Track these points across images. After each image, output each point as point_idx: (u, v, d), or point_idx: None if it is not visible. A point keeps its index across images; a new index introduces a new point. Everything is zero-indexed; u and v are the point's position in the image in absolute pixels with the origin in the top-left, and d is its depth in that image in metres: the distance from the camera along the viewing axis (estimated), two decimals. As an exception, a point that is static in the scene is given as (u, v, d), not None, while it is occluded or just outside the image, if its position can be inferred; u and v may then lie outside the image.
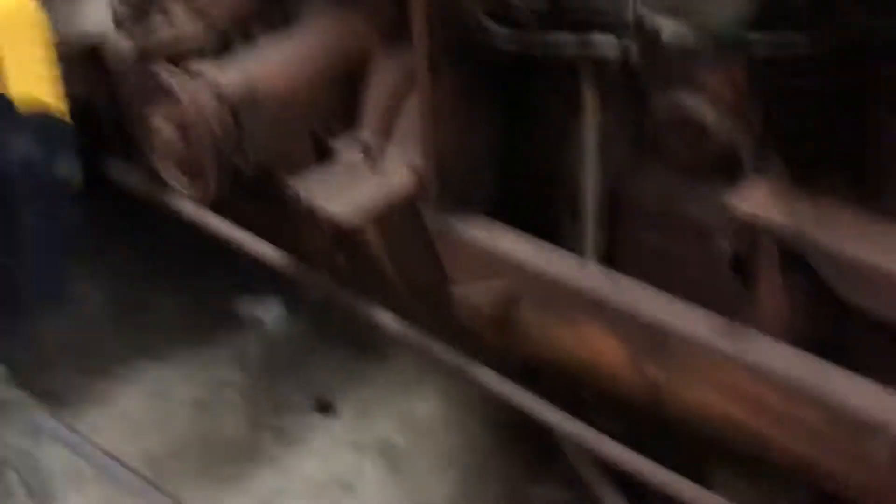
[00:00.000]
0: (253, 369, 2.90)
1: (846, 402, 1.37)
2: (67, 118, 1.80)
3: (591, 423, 2.37)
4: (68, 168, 1.83)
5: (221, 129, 1.78)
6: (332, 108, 1.98)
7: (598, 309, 1.64)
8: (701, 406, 1.57)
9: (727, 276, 1.64)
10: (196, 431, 2.69)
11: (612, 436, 1.90)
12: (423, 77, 1.65)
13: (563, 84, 1.66)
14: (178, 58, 2.11)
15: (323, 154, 2.02)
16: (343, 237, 2.08)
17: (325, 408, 2.78)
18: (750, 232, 1.53)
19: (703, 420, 1.59)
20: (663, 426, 1.89)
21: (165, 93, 1.79)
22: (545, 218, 1.87)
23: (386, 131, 1.92)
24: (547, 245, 1.74)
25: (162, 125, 1.82)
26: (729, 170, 1.57)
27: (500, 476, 2.61)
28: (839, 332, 1.50)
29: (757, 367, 1.45)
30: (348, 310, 2.12)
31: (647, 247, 1.75)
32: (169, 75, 1.78)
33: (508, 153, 1.86)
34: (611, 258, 1.82)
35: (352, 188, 1.79)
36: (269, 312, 3.08)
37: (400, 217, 1.87)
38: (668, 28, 1.29)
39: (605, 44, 1.45)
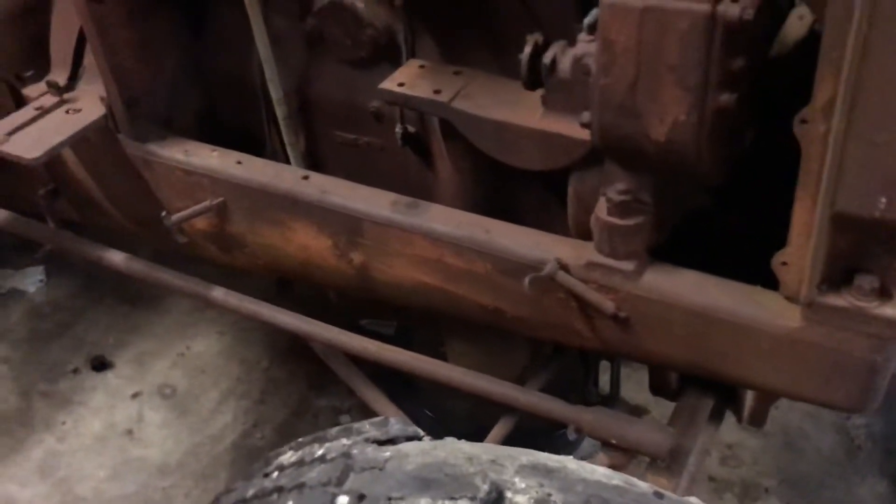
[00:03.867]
0: (19, 340, 2.83)
1: (507, 249, 1.52)
2: None
3: (361, 327, 2.49)
4: None
5: None
6: (18, 52, 1.93)
7: (298, 208, 1.71)
8: (400, 279, 1.68)
9: (411, 157, 1.76)
10: (-35, 410, 2.63)
11: (383, 338, 2.00)
12: (82, 7, 1.65)
13: (233, -2, 1.71)
14: None
15: (19, 100, 1.98)
16: (54, 180, 2.06)
17: (100, 365, 2.76)
18: (415, 112, 1.65)
19: (405, 291, 1.71)
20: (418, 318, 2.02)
21: None
22: (249, 128, 1.92)
23: (75, 69, 1.90)
24: (243, 155, 1.79)
25: None
26: (392, 56, 1.67)
27: (283, 396, 2.70)
28: (502, 187, 1.64)
29: (432, 233, 1.57)
30: (78, 255, 2.10)
31: (342, 141, 1.84)
32: None
33: (202, 70, 1.89)
34: (313, 157, 1.90)
35: (42, 128, 1.77)
36: (30, 282, 3.00)
37: (101, 150, 1.87)
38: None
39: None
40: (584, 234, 1.49)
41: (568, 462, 1.09)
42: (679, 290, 1.41)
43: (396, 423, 1.17)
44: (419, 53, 1.65)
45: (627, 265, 1.42)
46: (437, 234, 1.58)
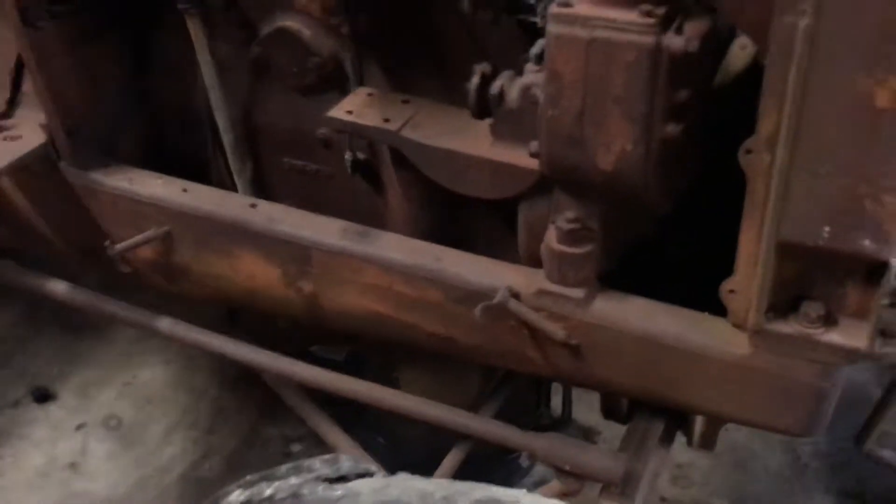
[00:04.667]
0: (-43, 372, 2.75)
1: (459, 277, 1.51)
2: None
3: (311, 354, 2.46)
4: None
5: None
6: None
7: (245, 236, 1.69)
8: (350, 308, 1.66)
9: (361, 185, 1.75)
10: None
11: (333, 364, 1.98)
12: (20, 33, 1.61)
13: (175, 20, 1.68)
14: None
15: (-44, 129, 1.92)
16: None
17: (42, 397, 2.68)
18: (364, 139, 1.64)
19: (357, 320, 1.69)
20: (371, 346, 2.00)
21: None
22: (195, 156, 1.89)
23: (14, 95, 1.85)
24: (189, 183, 1.76)
25: None
26: (339, 83, 1.66)
27: (233, 426, 2.64)
28: (452, 215, 1.64)
29: (383, 261, 1.56)
30: (18, 285, 2.04)
31: (290, 168, 1.82)
32: None
33: (145, 97, 1.86)
34: (261, 185, 1.88)
35: (-24, 156, 1.72)
36: (-31, 311, 2.92)
37: (40, 178, 1.82)
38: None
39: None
40: (535, 262, 1.49)
41: (522, 497, 1.08)
42: (628, 318, 1.41)
43: (347, 460, 1.15)
44: (367, 81, 1.64)
45: (577, 293, 1.42)
46: (388, 262, 1.56)
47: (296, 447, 2.58)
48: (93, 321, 2.81)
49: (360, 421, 2.24)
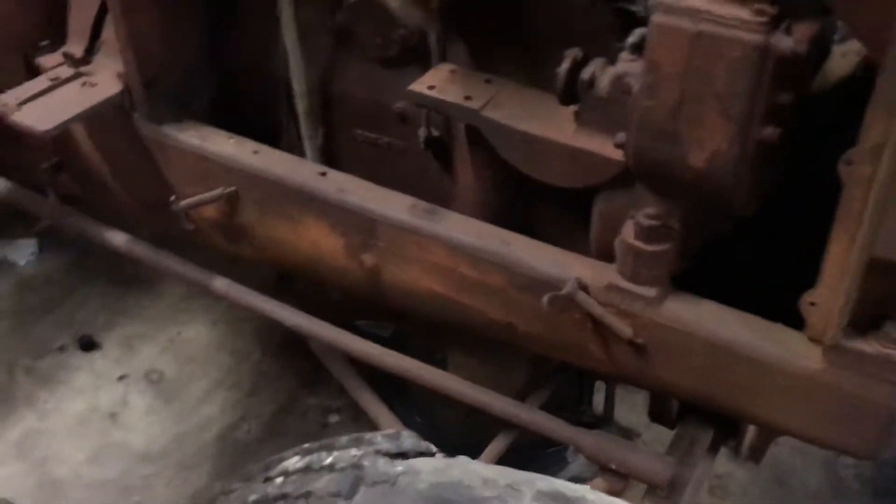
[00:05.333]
0: (6, 312, 2.77)
1: (525, 264, 1.49)
2: None
3: (356, 327, 2.45)
4: None
5: None
6: (37, 21, 1.89)
7: (312, 203, 1.68)
8: (411, 285, 1.65)
9: (431, 162, 1.73)
10: (-55, 381, 2.57)
11: (378, 338, 1.97)
12: (111, -20, 1.61)
13: (262, -17, 1.67)
14: None
15: (33, 70, 1.93)
16: (62, 155, 2.01)
17: (87, 344, 2.70)
18: (441, 116, 1.62)
19: (416, 298, 1.67)
20: (417, 322, 1.99)
21: None
22: (266, 119, 1.88)
23: (93, 43, 1.85)
24: (260, 145, 1.75)
25: None
26: (421, 57, 1.64)
27: (273, 391, 2.65)
28: (524, 200, 1.62)
29: (449, 241, 1.54)
30: (77, 233, 2.05)
31: (361, 139, 1.81)
32: None
33: (223, 56, 1.85)
34: (330, 153, 1.87)
35: (55, 100, 1.72)
36: (21, 253, 2.94)
37: (114, 128, 1.82)
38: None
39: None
40: (605, 256, 1.46)
41: (587, 493, 1.06)
42: (700, 321, 1.38)
43: (409, 437, 1.14)
44: (450, 58, 1.61)
45: (649, 291, 1.39)
46: (455, 242, 1.54)
47: (333, 418, 2.59)
48: (142, 275, 2.83)
49: (398, 397, 2.23)
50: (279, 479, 1.13)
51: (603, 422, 2.44)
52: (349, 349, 1.91)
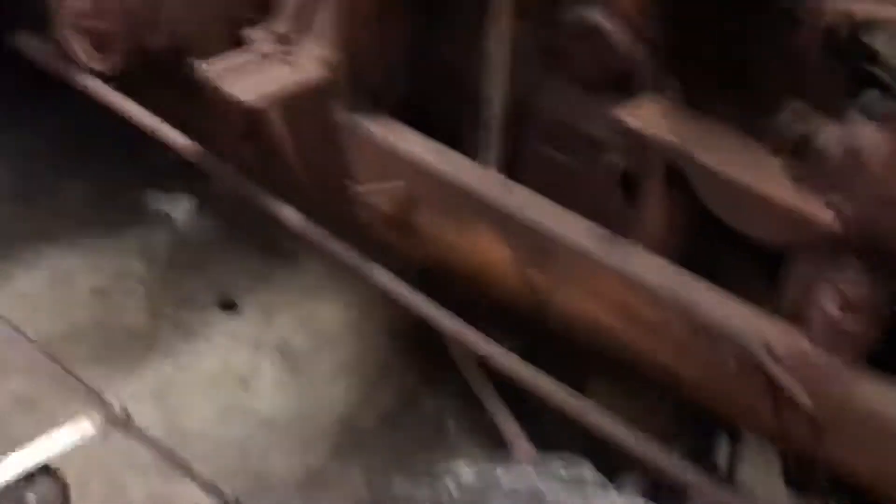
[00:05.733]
0: (158, 262, 2.88)
1: (708, 313, 1.45)
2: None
3: (484, 331, 2.46)
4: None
5: (136, 1, 1.74)
6: (247, -3, 1.96)
7: (489, 214, 1.68)
8: (580, 313, 1.64)
9: (616, 190, 1.71)
10: (95, 318, 2.67)
11: (506, 346, 1.97)
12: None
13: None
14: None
15: (238, 42, 2.00)
16: (251, 126, 2.07)
17: (227, 305, 2.79)
18: (638, 147, 1.59)
19: (582, 327, 1.66)
20: (552, 339, 1.98)
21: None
22: (450, 121, 1.90)
23: (301, 23, 1.90)
24: (447, 149, 1.77)
25: (73, -6, 1.77)
26: (627, 87, 1.61)
27: (395, 383, 2.67)
28: (713, 247, 1.57)
29: (631, 276, 1.52)
30: (254, 203, 2.11)
31: (544, 157, 1.80)
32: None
33: (421, 54, 1.88)
34: (509, 166, 1.86)
35: (259, 74, 1.78)
36: (178, 208, 3.05)
37: (308, 109, 1.87)
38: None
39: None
40: (796, 319, 1.41)
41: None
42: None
43: (590, 469, 1.12)
44: (657, 92, 1.59)
45: (843, 365, 1.33)
46: (637, 278, 1.52)
47: (451, 423, 2.59)
48: (287, 246, 2.90)
49: (518, 412, 2.22)
50: (451, 487, 1.13)
51: (726, 478, 2.37)
52: (490, 357, 1.91)
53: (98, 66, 1.85)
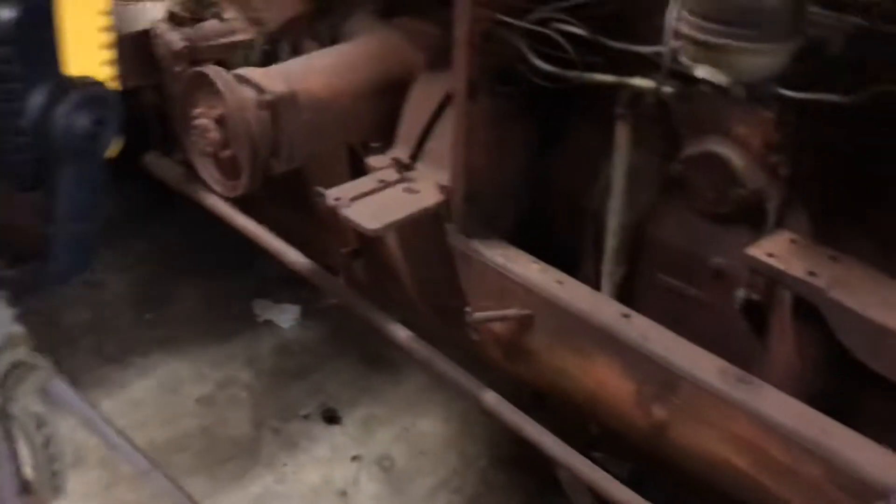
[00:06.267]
0: (264, 372, 2.93)
1: (848, 461, 1.37)
2: (117, 95, 1.83)
3: (593, 459, 2.39)
4: (109, 140, 1.85)
5: (260, 129, 1.82)
6: (371, 122, 2.02)
7: (609, 344, 1.65)
8: (703, 451, 1.57)
9: (740, 323, 1.66)
10: (201, 426, 2.72)
11: (615, 475, 1.91)
12: (460, 102, 1.69)
13: (598, 119, 1.70)
14: (226, 60, 2.19)
15: (358, 167, 2.07)
16: (366, 248, 2.12)
17: (330, 417, 2.80)
18: (767, 282, 1.55)
19: (704, 466, 1.59)
20: (664, 471, 1.90)
21: (211, 91, 1.84)
22: (567, 248, 1.89)
23: (419, 150, 1.96)
24: (564, 275, 1.76)
25: (204, 122, 1.86)
26: (752, 218, 1.59)
27: (496, 503, 2.61)
28: (848, 388, 1.50)
29: (762, 417, 1.46)
30: (362, 319, 2.14)
31: (664, 286, 1.77)
32: (216, 75, 1.82)
33: (539, 181, 1.89)
34: (627, 293, 1.84)
35: (382, 201, 1.82)
36: (285, 318, 3.12)
37: (424, 232, 1.90)
38: (704, 73, 1.31)
39: (642, 85, 1.48)
40: (944, 472, 1.32)
41: None
42: None
43: None
44: (787, 225, 1.55)
45: None
46: (768, 419, 1.45)
47: (554, 547, 2.50)
48: (388, 356, 2.92)
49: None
50: None
51: None
52: (600, 486, 1.85)
53: (227, 192, 1.93)
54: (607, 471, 2.02)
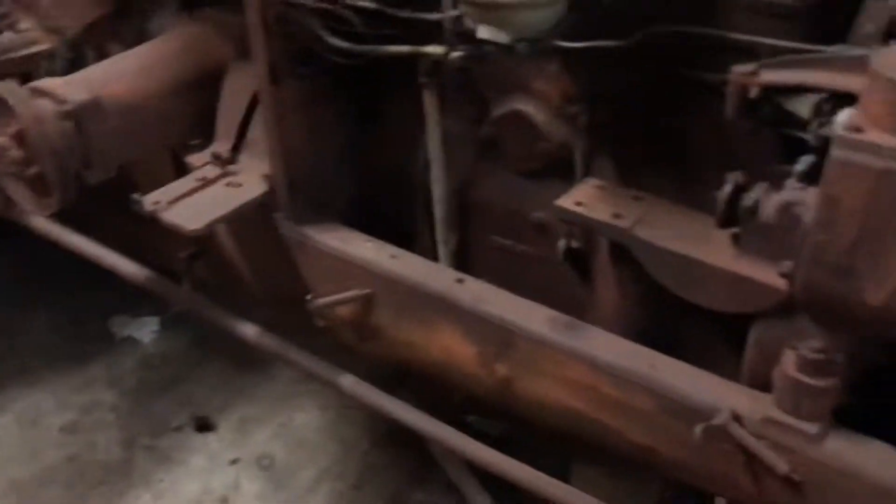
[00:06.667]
0: (128, 389, 2.83)
1: (674, 389, 1.44)
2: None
3: (467, 424, 2.42)
4: None
5: (64, 141, 1.74)
6: (187, 120, 1.97)
7: (447, 310, 1.67)
8: (546, 400, 1.61)
9: (568, 272, 1.71)
10: (67, 456, 2.61)
11: (488, 438, 1.94)
12: (265, 88, 1.66)
13: (409, 91, 1.70)
14: (27, 72, 2.08)
15: (183, 168, 2.01)
16: (204, 249, 2.07)
17: (203, 425, 2.73)
18: (583, 230, 1.60)
19: (550, 413, 1.63)
20: (525, 426, 1.95)
21: (5, 109, 1.74)
22: (401, 221, 1.90)
23: (240, 142, 1.92)
24: (398, 250, 1.76)
25: (4, 142, 1.77)
26: (563, 170, 1.63)
27: (380, 484, 2.61)
28: (669, 320, 1.57)
29: (592, 359, 1.50)
30: (211, 322, 2.09)
31: (496, 246, 1.80)
32: (5, 90, 1.73)
33: (362, 159, 1.89)
34: (463, 258, 1.86)
35: (202, 200, 1.78)
36: (145, 331, 3.02)
37: (254, 226, 1.87)
38: (485, 34, 1.33)
39: (435, 52, 1.49)
40: (759, 385, 1.40)
41: None
42: (866, 462, 1.29)
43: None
44: (594, 172, 1.60)
45: (811, 427, 1.31)
46: (598, 360, 1.50)
47: (441, 518, 2.53)
48: (257, 356, 2.86)
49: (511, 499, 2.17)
50: None
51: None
52: (471, 455, 1.87)
53: (42, 210, 1.84)
54: (481, 433, 2.06)
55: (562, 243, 1.65)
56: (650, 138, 1.51)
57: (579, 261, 1.68)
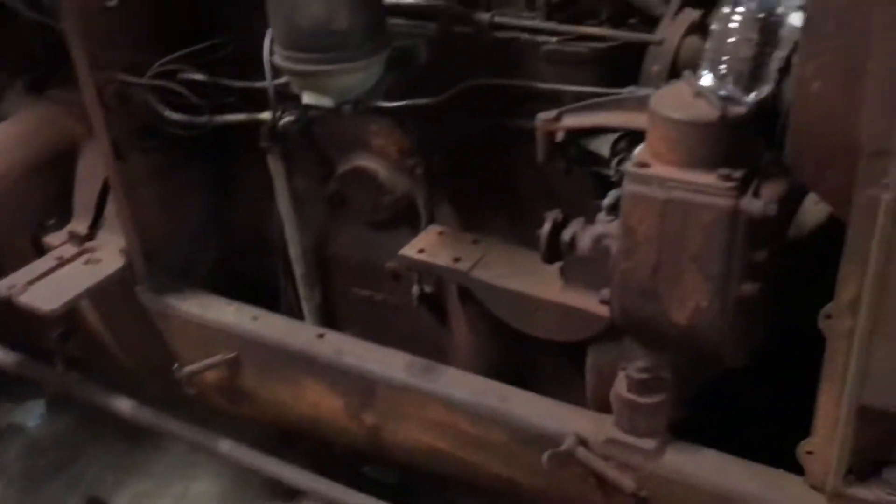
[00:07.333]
0: (14, 478, 2.74)
1: (524, 419, 1.50)
2: None
3: (364, 474, 2.43)
4: None
5: None
6: (41, 201, 1.97)
7: (310, 366, 1.70)
8: (412, 443, 1.65)
9: (425, 316, 1.77)
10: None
11: (384, 487, 1.96)
12: (110, 165, 1.69)
13: (257, 156, 1.75)
14: None
15: (40, 248, 2.00)
16: (73, 327, 2.05)
17: (96, 507, 2.68)
18: (431, 275, 1.66)
19: (419, 455, 1.67)
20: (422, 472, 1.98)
21: None
22: (265, 281, 1.93)
23: (97, 218, 1.93)
24: (259, 310, 1.79)
25: None
26: (410, 219, 1.70)
27: (281, 546, 2.60)
28: (518, 354, 1.64)
29: (448, 398, 1.56)
30: (86, 401, 2.07)
31: (357, 297, 1.85)
32: None
33: (222, 223, 1.92)
34: (328, 312, 1.91)
35: (59, 278, 1.78)
36: (30, 416, 2.94)
37: (117, 300, 1.87)
38: (310, 99, 1.40)
39: (265, 117, 1.55)
40: (603, 407, 1.47)
41: None
42: (701, 472, 1.37)
43: None
44: (438, 219, 1.68)
45: (648, 443, 1.39)
46: (452, 399, 1.56)
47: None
48: (147, 430, 2.83)
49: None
50: None
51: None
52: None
53: None
54: (377, 482, 2.07)
55: (415, 289, 1.71)
56: (483, 184, 1.60)
57: (434, 305, 1.74)
